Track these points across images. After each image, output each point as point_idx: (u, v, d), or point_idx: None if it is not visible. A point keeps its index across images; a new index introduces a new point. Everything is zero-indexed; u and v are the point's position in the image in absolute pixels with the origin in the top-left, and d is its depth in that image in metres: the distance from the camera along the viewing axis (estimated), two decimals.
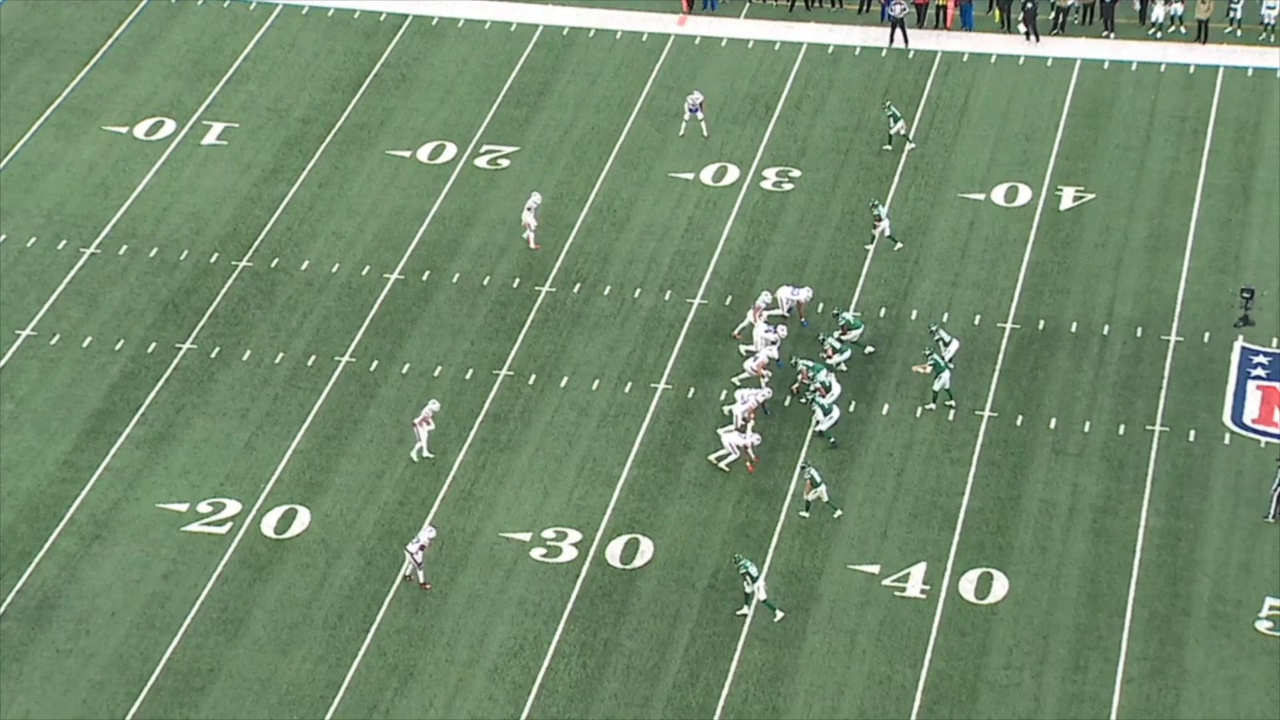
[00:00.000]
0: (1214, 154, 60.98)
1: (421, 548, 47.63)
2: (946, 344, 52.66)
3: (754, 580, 46.54)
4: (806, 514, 49.33)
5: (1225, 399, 52.59)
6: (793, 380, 52.30)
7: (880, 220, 57.14)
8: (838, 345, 52.90)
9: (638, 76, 64.76)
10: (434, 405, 51.25)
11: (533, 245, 57.44)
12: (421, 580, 47.84)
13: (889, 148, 60.87)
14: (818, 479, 49.00)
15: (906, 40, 65.38)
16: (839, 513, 49.27)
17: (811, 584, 48.00)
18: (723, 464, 50.59)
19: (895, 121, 60.77)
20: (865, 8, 67.07)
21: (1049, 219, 58.74)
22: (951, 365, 52.13)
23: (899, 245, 56.86)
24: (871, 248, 56.93)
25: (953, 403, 51.91)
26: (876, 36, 66.01)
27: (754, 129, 62.38)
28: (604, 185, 60.27)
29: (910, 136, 61.02)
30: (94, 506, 50.48)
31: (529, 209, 57.55)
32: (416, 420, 50.92)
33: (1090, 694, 45.38)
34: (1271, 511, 48.81)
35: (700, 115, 61.25)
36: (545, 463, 51.36)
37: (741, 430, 50.38)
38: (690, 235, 58.41)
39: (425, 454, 51.02)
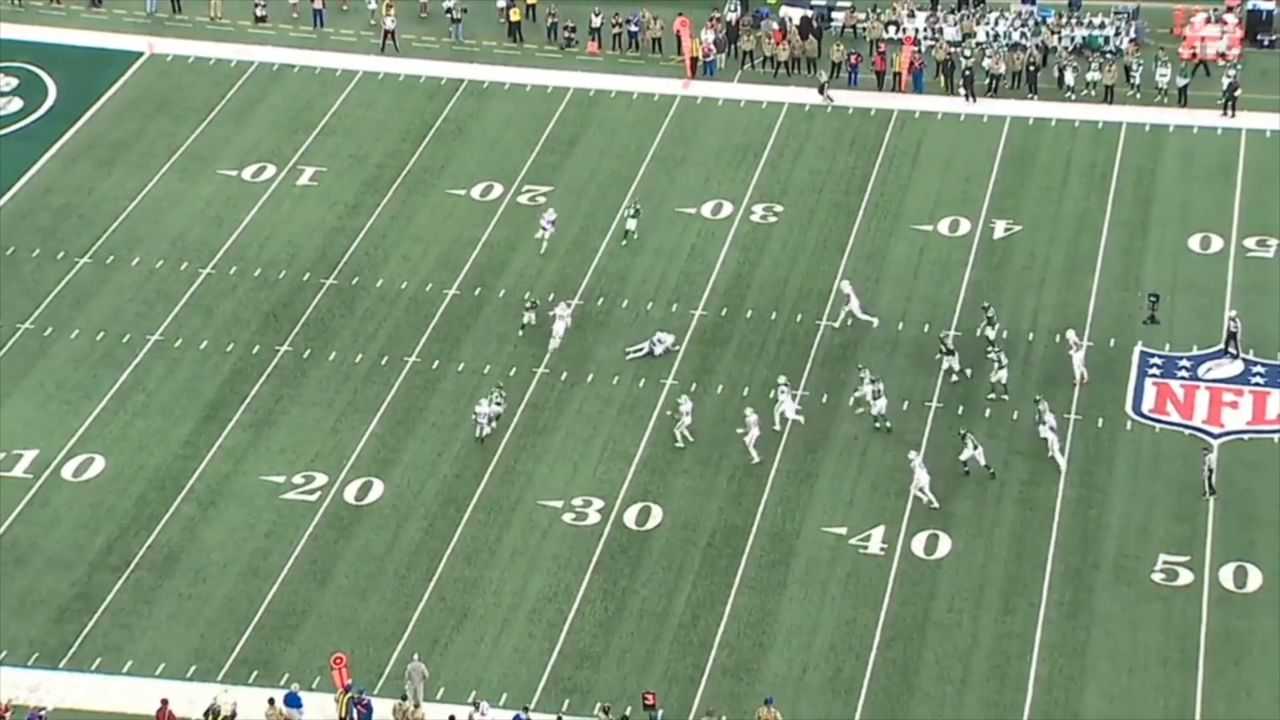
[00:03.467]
0: (1118, 194, 60.80)
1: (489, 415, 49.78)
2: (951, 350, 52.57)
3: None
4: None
5: (1127, 393, 52.43)
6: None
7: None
8: None
9: (650, 130, 64.62)
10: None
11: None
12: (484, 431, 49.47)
13: (624, 243, 58.41)
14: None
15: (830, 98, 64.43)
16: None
17: (791, 543, 47.90)
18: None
19: (633, 220, 58.47)
20: (836, 74, 66.90)
21: (985, 246, 58.59)
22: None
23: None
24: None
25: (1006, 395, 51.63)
26: (844, 99, 65.81)
27: (745, 172, 62.25)
28: (622, 218, 60.13)
29: (628, 234, 58.09)
30: (209, 478, 50.47)
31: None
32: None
33: (1017, 632, 45.28)
34: (1207, 489, 48.45)
35: (549, 231, 58.32)
36: (574, 444, 51.26)
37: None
38: (693, 259, 58.29)
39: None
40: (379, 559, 47.89)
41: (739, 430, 50.44)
